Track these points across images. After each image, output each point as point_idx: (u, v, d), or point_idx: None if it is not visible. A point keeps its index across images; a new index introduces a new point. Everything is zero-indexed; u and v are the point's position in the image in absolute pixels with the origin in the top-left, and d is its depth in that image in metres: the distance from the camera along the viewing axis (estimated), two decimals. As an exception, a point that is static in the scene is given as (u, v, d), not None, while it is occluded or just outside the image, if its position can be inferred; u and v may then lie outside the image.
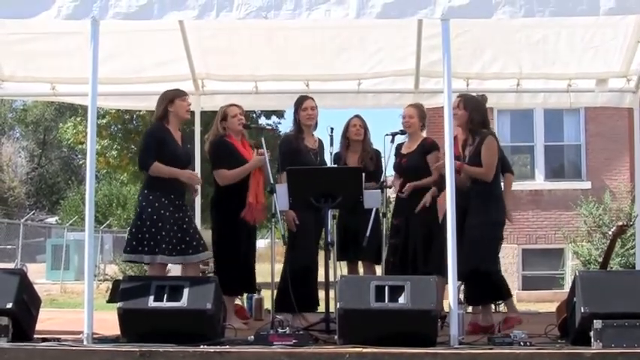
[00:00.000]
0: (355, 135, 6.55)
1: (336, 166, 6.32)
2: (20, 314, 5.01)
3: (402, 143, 6.54)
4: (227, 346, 4.73)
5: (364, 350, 4.56)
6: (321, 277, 5.77)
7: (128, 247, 5.69)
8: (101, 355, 4.66)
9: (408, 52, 7.27)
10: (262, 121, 18.98)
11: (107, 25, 5.18)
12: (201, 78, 7.61)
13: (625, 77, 7.29)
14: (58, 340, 5.05)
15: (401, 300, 4.81)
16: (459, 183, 5.81)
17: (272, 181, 5.83)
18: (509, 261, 13.88)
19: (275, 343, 4.78)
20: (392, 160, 6.38)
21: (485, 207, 5.75)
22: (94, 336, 4.93)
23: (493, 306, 6.45)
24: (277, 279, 6.07)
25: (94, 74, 5.06)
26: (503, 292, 5.92)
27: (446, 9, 4.93)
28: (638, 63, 7.06)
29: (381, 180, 6.14)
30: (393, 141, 6.25)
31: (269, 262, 6.19)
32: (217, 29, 7.04)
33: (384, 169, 6.37)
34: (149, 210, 5.62)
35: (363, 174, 5.65)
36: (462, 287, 5.85)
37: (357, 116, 6.68)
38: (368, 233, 5.89)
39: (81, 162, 37.36)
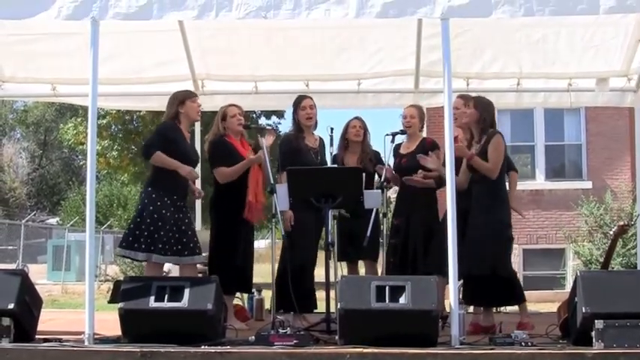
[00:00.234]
0: (355, 136, 6.55)
1: (336, 166, 6.32)
2: (22, 315, 5.01)
3: (400, 144, 6.54)
4: (228, 347, 4.72)
5: (365, 350, 4.55)
6: (321, 278, 5.76)
7: (124, 242, 5.70)
8: (102, 356, 4.66)
9: (407, 52, 7.27)
10: (262, 121, 18.98)
11: (107, 25, 5.19)
12: (201, 78, 7.62)
13: (626, 76, 7.28)
14: (60, 340, 5.05)
15: (402, 300, 4.80)
16: (457, 184, 5.82)
17: (272, 180, 5.83)
18: (510, 261, 13.87)
19: (276, 343, 4.77)
20: (391, 160, 6.38)
21: (491, 207, 5.73)
22: (96, 336, 4.93)
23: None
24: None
25: (94, 75, 5.06)
26: (519, 295, 5.87)
27: (445, 8, 4.93)
28: (638, 62, 7.04)
29: (381, 180, 6.14)
30: (393, 141, 6.26)
31: (269, 262, 6.19)
32: (217, 29, 7.05)
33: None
34: (150, 208, 5.64)
35: (364, 174, 5.65)
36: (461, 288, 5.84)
37: (356, 117, 6.68)
38: (368, 233, 5.88)
39: (82, 163, 37.36)
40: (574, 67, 7.27)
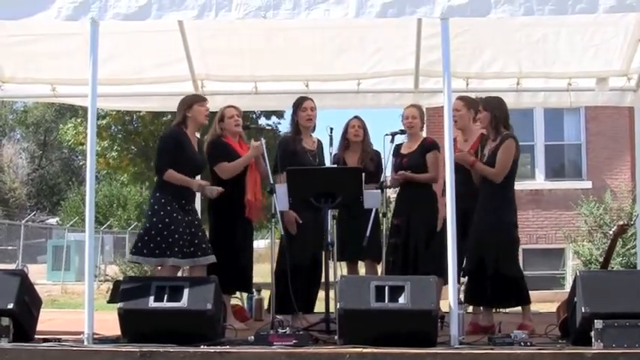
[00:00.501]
0: (354, 136, 6.55)
1: (336, 166, 6.32)
2: (21, 315, 5.01)
3: (401, 143, 6.54)
4: (227, 347, 4.72)
5: (364, 350, 4.55)
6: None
7: (135, 247, 5.75)
8: (102, 356, 4.66)
9: (407, 52, 7.26)
10: (262, 121, 18.96)
11: (107, 26, 5.19)
12: (200, 79, 7.60)
13: (625, 76, 7.27)
14: (59, 340, 5.05)
15: (401, 300, 4.80)
16: (473, 177, 5.84)
17: (271, 180, 5.83)
18: (510, 261, 13.85)
19: (275, 343, 4.77)
20: (391, 160, 6.38)
21: (498, 208, 5.74)
22: (95, 336, 4.93)
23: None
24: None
25: (93, 75, 5.06)
26: (524, 297, 5.85)
27: (445, 8, 4.93)
28: (638, 61, 7.04)
29: (381, 180, 6.14)
30: (392, 141, 6.26)
31: (269, 262, 6.19)
32: (217, 30, 7.04)
33: (383, 169, 6.37)
34: (161, 213, 5.68)
35: (363, 174, 5.65)
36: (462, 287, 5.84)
37: (356, 117, 6.67)
38: (368, 233, 5.88)
39: (81, 163, 37.36)
40: (574, 67, 7.26)
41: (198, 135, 6.19)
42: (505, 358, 4.55)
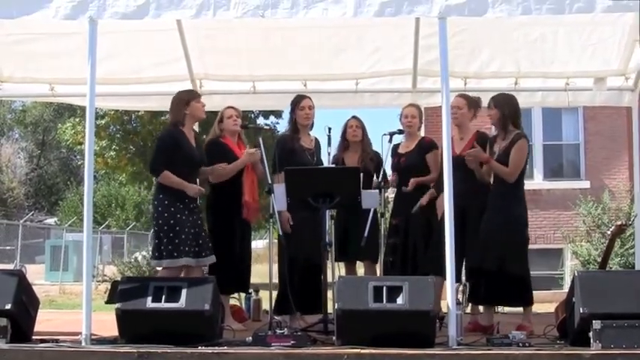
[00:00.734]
0: (353, 136, 6.55)
1: (334, 166, 6.31)
2: (19, 315, 5.00)
3: (399, 143, 6.54)
4: (225, 347, 4.72)
5: (362, 351, 4.55)
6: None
7: (151, 255, 5.90)
8: (99, 356, 4.66)
9: (405, 52, 7.26)
10: (260, 121, 18.97)
11: (105, 25, 5.19)
12: (199, 78, 7.60)
13: (623, 75, 7.27)
14: (57, 341, 5.05)
15: (399, 300, 4.80)
16: (479, 176, 5.83)
17: (269, 180, 5.82)
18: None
19: (273, 344, 4.77)
20: (389, 159, 6.38)
21: (508, 206, 5.75)
22: (93, 337, 4.93)
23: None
24: (275, 280, 6.06)
25: (92, 75, 5.06)
26: (527, 298, 5.83)
27: (443, 7, 4.93)
28: (636, 61, 7.04)
29: (379, 180, 6.14)
30: (391, 140, 6.25)
31: (267, 262, 6.19)
32: (215, 29, 7.03)
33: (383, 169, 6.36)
34: (165, 215, 5.67)
35: (362, 174, 5.64)
36: (461, 288, 5.84)
37: (353, 117, 6.67)
38: (366, 233, 5.88)
39: (80, 163, 37.38)
40: (572, 67, 7.26)
41: (196, 128, 6.18)
42: (503, 359, 4.55)
